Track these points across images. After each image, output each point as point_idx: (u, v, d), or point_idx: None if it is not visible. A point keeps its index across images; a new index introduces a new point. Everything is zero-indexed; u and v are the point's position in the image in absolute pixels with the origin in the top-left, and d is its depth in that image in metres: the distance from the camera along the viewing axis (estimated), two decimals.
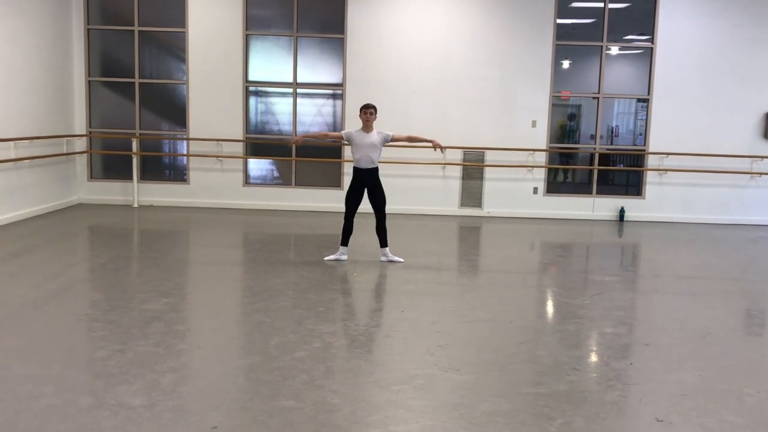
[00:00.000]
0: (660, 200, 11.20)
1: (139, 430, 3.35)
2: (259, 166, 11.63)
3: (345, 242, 7.33)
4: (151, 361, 4.22)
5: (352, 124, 10.76)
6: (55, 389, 3.78)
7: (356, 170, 7.20)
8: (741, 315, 6.05)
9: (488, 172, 11.11)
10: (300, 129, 11.15)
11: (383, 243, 7.35)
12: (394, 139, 7.24)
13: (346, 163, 10.83)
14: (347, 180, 10.58)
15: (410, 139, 7.40)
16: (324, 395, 3.82)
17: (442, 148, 7.44)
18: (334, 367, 4.28)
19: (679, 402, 3.90)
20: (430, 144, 7.42)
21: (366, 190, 7.21)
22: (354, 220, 7.23)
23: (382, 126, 7.43)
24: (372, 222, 7.32)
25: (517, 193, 11.18)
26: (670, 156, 11.04)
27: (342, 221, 7.26)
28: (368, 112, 7.14)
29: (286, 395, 3.80)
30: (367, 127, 7.15)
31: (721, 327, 5.49)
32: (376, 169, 7.19)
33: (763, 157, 11.00)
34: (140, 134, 11.07)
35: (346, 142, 7.31)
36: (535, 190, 11.18)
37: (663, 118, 11.04)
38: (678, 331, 5.32)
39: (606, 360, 4.61)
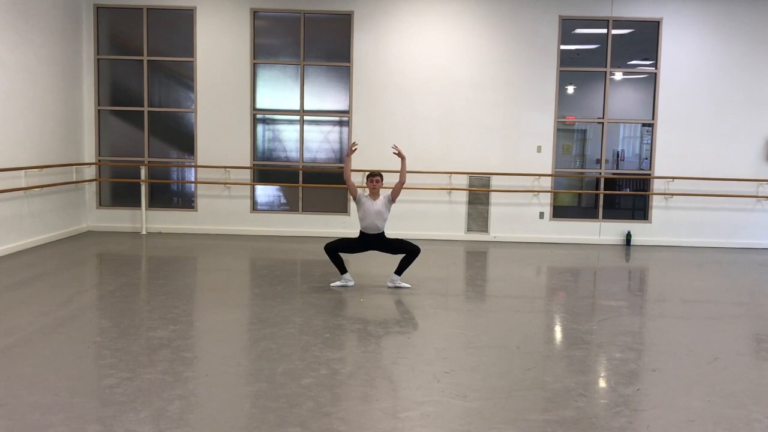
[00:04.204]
0: (666, 224, 11.20)
1: None
2: (266, 192, 11.71)
3: (344, 269, 7.35)
4: (158, 389, 4.24)
5: (358, 148, 10.87)
6: (64, 417, 3.80)
7: (363, 234, 7.29)
8: (749, 339, 6.01)
9: (494, 197, 11.15)
10: (307, 156, 11.26)
11: (399, 271, 7.36)
12: (394, 194, 7.25)
13: None
14: (353, 206, 10.67)
15: (402, 177, 7.24)
16: (331, 422, 3.82)
17: (396, 149, 7.32)
18: (341, 394, 4.29)
19: (687, 428, 3.88)
20: (400, 155, 7.26)
21: (378, 251, 7.31)
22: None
23: (387, 151, 7.47)
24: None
25: (524, 217, 11.21)
26: (675, 180, 11.06)
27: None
28: (374, 180, 7.17)
29: (293, 422, 3.80)
30: (374, 194, 7.21)
31: (729, 352, 5.46)
32: (382, 233, 7.28)
33: None
34: (149, 162, 11.19)
35: (354, 201, 7.35)
36: (542, 215, 11.20)
37: (668, 142, 11.09)
38: (685, 356, 5.30)
39: (613, 386, 4.60)
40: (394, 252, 7.32)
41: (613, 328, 6.01)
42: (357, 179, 9.93)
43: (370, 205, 7.16)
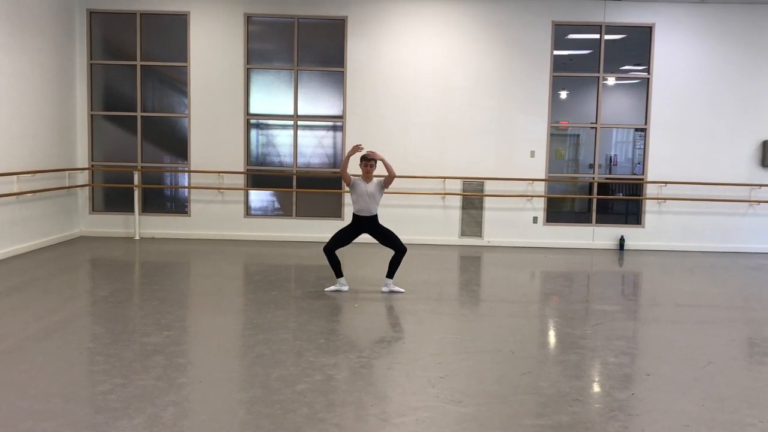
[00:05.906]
0: (660, 229, 11.24)
1: None
2: (260, 197, 11.69)
3: (340, 273, 7.35)
4: (152, 395, 4.22)
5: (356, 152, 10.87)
6: (57, 424, 3.77)
7: (356, 217, 7.29)
8: (743, 344, 6.03)
9: (488, 202, 11.17)
10: (300, 161, 11.25)
11: (390, 274, 7.37)
12: (386, 183, 7.27)
13: (345, 194, 10.88)
14: (348, 210, 10.66)
15: (390, 172, 7.22)
16: (326, 429, 3.81)
17: (374, 155, 7.37)
18: (336, 400, 4.27)
19: None
20: (377, 158, 7.28)
21: (370, 235, 7.30)
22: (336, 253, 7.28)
23: (383, 154, 7.44)
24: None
25: (517, 222, 11.23)
26: (668, 185, 11.10)
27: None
28: (369, 164, 7.21)
29: (288, 429, 3.79)
30: (367, 178, 7.24)
31: (723, 356, 5.48)
32: (375, 217, 7.29)
33: (761, 185, 11.07)
34: (142, 167, 11.15)
35: (348, 188, 7.34)
36: (535, 220, 11.22)
37: (661, 147, 11.13)
38: (680, 360, 5.31)
39: (608, 390, 4.60)
40: (383, 241, 7.32)
41: (607, 333, 6.02)
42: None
43: (364, 188, 7.20)
